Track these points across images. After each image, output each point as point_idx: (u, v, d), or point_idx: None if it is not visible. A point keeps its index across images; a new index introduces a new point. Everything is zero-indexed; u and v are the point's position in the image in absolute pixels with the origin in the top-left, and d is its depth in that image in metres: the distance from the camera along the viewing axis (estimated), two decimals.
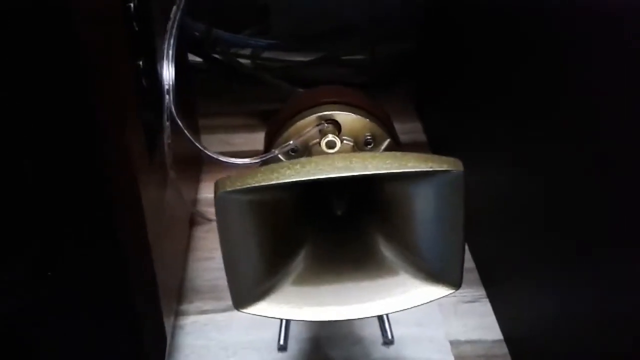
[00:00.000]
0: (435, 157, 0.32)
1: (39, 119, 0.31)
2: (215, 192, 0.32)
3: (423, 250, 0.35)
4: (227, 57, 0.80)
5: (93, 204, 0.34)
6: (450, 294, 0.35)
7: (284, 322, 0.50)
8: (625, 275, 0.33)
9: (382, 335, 0.49)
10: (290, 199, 0.35)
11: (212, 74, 0.79)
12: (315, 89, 0.45)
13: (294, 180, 0.31)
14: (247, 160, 0.43)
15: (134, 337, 0.40)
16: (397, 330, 0.49)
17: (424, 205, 0.34)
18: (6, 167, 0.32)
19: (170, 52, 0.42)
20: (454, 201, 0.33)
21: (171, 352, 0.48)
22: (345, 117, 0.40)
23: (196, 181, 0.64)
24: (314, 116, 0.41)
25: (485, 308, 0.52)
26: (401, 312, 0.36)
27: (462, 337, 0.50)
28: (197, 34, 0.76)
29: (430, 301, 0.35)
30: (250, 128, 0.73)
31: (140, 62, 0.38)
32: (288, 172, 0.32)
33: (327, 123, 0.40)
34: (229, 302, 0.35)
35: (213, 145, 0.45)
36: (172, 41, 0.43)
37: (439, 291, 0.35)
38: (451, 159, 0.32)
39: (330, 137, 0.39)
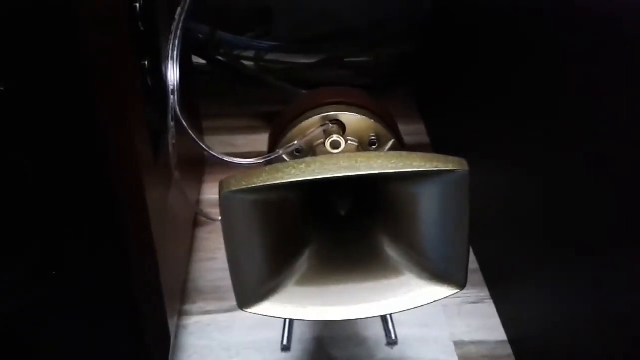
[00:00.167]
0: (441, 156, 0.32)
1: (43, 118, 0.31)
2: (220, 192, 0.32)
3: (428, 250, 0.35)
4: (231, 59, 0.80)
5: (98, 204, 0.34)
6: (455, 294, 0.35)
7: (287, 322, 0.50)
8: (627, 276, 0.33)
9: (386, 335, 0.49)
10: (295, 199, 0.35)
11: (216, 75, 0.79)
12: (319, 90, 0.45)
13: (299, 179, 0.31)
14: (251, 161, 0.43)
15: (138, 337, 0.40)
16: (401, 331, 0.49)
17: (428, 205, 0.34)
18: (10, 168, 0.32)
19: (175, 52, 0.42)
20: (459, 201, 0.33)
21: (174, 352, 0.48)
22: (350, 118, 0.41)
23: (199, 182, 0.64)
24: (318, 116, 0.41)
25: (489, 309, 0.52)
26: (405, 312, 0.36)
27: (466, 338, 0.50)
28: (200, 36, 0.76)
29: (435, 301, 0.35)
30: (253, 130, 0.73)
31: (145, 62, 0.38)
32: (293, 171, 0.32)
33: (331, 123, 0.40)
34: (232, 303, 0.35)
35: (216, 146, 0.45)
36: (176, 42, 0.43)
37: (443, 291, 0.35)
38: (456, 159, 0.32)
39: (335, 137, 0.39)
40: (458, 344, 0.49)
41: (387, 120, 0.42)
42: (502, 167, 0.51)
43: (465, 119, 0.60)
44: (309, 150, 0.41)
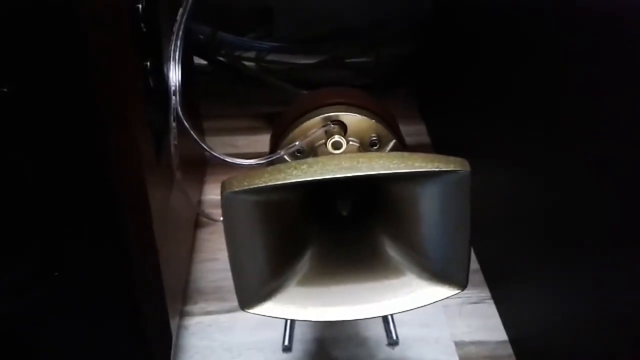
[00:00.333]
0: (442, 157, 0.32)
1: (46, 119, 0.31)
2: (222, 192, 0.32)
3: (429, 250, 0.35)
4: (232, 59, 0.80)
5: (100, 204, 0.34)
6: (456, 294, 0.35)
7: (288, 322, 0.50)
8: (627, 276, 0.33)
9: (387, 336, 0.49)
10: (296, 200, 0.35)
11: (217, 76, 0.80)
12: (320, 90, 0.45)
13: (301, 180, 0.31)
14: (253, 161, 0.43)
15: (140, 337, 0.40)
16: (402, 331, 0.50)
17: (430, 206, 0.34)
18: (11, 168, 0.32)
19: (177, 53, 0.43)
20: (460, 201, 0.33)
21: (176, 353, 0.48)
22: (351, 118, 0.41)
23: (200, 183, 0.64)
24: (319, 117, 0.41)
25: (490, 309, 0.52)
26: (406, 313, 0.36)
27: (467, 338, 0.50)
28: (201, 36, 0.77)
29: (436, 301, 0.35)
30: (254, 130, 0.73)
31: (148, 63, 0.38)
32: (295, 172, 0.32)
33: (333, 124, 0.40)
34: (233, 303, 0.35)
35: (217, 147, 0.45)
36: (178, 42, 0.43)
37: (444, 291, 0.35)
38: (458, 159, 0.32)
39: (336, 137, 0.39)
40: (459, 344, 0.50)
41: (389, 121, 0.42)
42: (503, 167, 0.51)
43: (466, 119, 0.61)
44: (310, 151, 0.41)
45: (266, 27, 0.84)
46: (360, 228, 0.39)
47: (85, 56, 0.30)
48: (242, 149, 0.71)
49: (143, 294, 0.38)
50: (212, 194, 0.64)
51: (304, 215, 0.37)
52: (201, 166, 0.65)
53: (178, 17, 0.44)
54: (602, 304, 0.36)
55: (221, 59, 0.79)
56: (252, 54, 0.82)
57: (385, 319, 0.50)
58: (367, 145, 0.41)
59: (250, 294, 0.35)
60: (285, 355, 0.49)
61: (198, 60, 0.76)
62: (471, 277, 0.35)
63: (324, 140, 0.40)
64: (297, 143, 0.41)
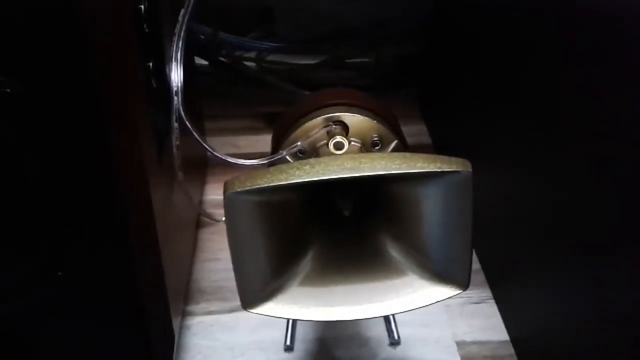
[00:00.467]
0: (444, 157, 0.32)
1: (49, 120, 0.31)
2: (224, 193, 0.32)
3: (430, 250, 0.35)
4: (233, 60, 0.80)
5: (104, 205, 0.34)
6: (458, 294, 0.35)
7: (290, 322, 0.50)
8: (627, 276, 0.33)
9: (389, 336, 0.50)
10: (298, 200, 0.36)
11: (218, 76, 0.80)
12: (322, 91, 0.45)
13: (304, 180, 0.31)
14: (255, 162, 0.43)
15: (143, 337, 0.40)
16: (404, 331, 0.50)
17: (431, 206, 0.34)
18: (15, 168, 0.32)
19: (179, 54, 0.43)
20: (462, 202, 0.33)
21: (178, 353, 0.49)
22: (353, 119, 0.41)
23: (202, 183, 0.64)
24: (321, 117, 0.41)
25: (491, 309, 0.53)
26: (407, 313, 0.36)
27: (469, 338, 0.50)
28: (202, 37, 0.77)
29: (438, 301, 0.35)
30: (255, 130, 0.74)
31: (150, 64, 0.38)
32: (297, 172, 0.32)
33: (334, 124, 0.40)
34: (235, 303, 0.35)
35: (218, 147, 0.45)
36: (180, 43, 0.43)
37: (446, 291, 0.36)
38: (460, 160, 0.32)
39: (338, 138, 0.39)
40: (460, 344, 0.50)
41: (390, 121, 0.42)
42: (504, 167, 0.51)
43: (466, 119, 0.61)
44: (312, 151, 0.41)
45: (267, 27, 0.84)
46: (362, 228, 0.39)
47: (90, 58, 0.30)
48: (243, 149, 0.71)
49: (146, 294, 0.38)
50: (213, 194, 0.64)
51: (306, 215, 0.37)
52: (202, 166, 0.65)
53: (180, 18, 0.44)
54: (603, 304, 0.36)
55: (222, 59, 0.79)
56: (252, 55, 0.82)
57: (386, 319, 0.50)
58: (369, 146, 0.41)
59: (252, 294, 0.35)
60: (287, 355, 0.49)
61: (199, 61, 0.76)
62: (472, 277, 0.35)
63: (325, 141, 0.40)
64: (299, 143, 0.41)
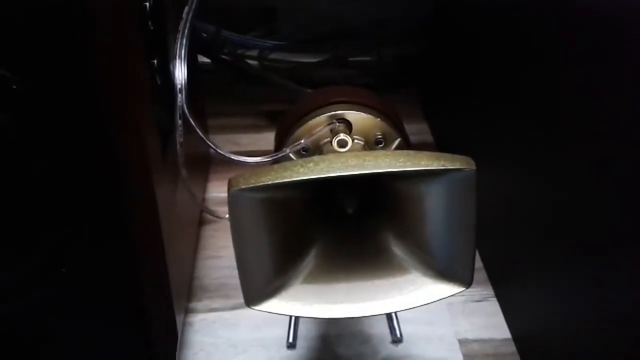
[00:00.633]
0: (448, 155, 0.32)
1: (53, 117, 0.31)
2: (229, 190, 0.32)
3: (434, 248, 0.35)
4: (235, 58, 0.80)
5: (108, 202, 0.34)
6: (461, 292, 0.35)
7: (292, 319, 0.50)
8: (628, 275, 0.33)
9: (391, 333, 0.50)
10: (302, 198, 0.36)
11: (220, 74, 0.80)
12: (325, 89, 0.45)
13: (308, 178, 0.32)
14: (258, 159, 0.43)
15: (146, 335, 0.40)
16: (406, 329, 0.50)
17: (435, 204, 0.34)
18: (18, 165, 0.32)
19: (183, 51, 0.43)
20: (466, 200, 0.33)
21: (180, 350, 0.49)
22: (356, 116, 0.41)
23: (204, 180, 0.65)
24: (325, 115, 0.41)
25: (493, 307, 0.53)
26: (410, 310, 0.36)
27: (471, 336, 0.50)
28: (205, 35, 0.77)
29: (441, 299, 0.36)
30: (257, 128, 0.74)
31: (155, 61, 0.38)
32: (302, 170, 0.32)
33: (338, 122, 0.41)
34: (237, 300, 0.35)
35: (220, 145, 0.45)
36: (184, 41, 0.43)
37: (449, 289, 0.36)
38: (464, 158, 0.32)
39: (341, 136, 0.39)
40: (462, 342, 0.50)
41: (393, 119, 0.42)
42: (505, 166, 0.51)
43: (467, 118, 0.61)
44: (316, 149, 0.41)
45: (269, 25, 0.84)
46: (366, 226, 0.39)
47: (88, 57, 0.30)
48: (245, 147, 0.71)
49: (149, 292, 0.38)
50: (216, 191, 0.64)
51: (309, 212, 0.37)
52: (205, 164, 0.65)
53: (184, 15, 0.44)
54: (603, 302, 0.36)
55: (224, 57, 0.79)
56: (255, 53, 0.82)
57: (389, 316, 0.50)
58: (372, 144, 0.41)
59: (256, 291, 0.35)
60: (289, 352, 0.49)
61: (201, 59, 0.76)
62: (474, 275, 0.35)
63: (329, 139, 0.40)
64: (302, 141, 0.41)
